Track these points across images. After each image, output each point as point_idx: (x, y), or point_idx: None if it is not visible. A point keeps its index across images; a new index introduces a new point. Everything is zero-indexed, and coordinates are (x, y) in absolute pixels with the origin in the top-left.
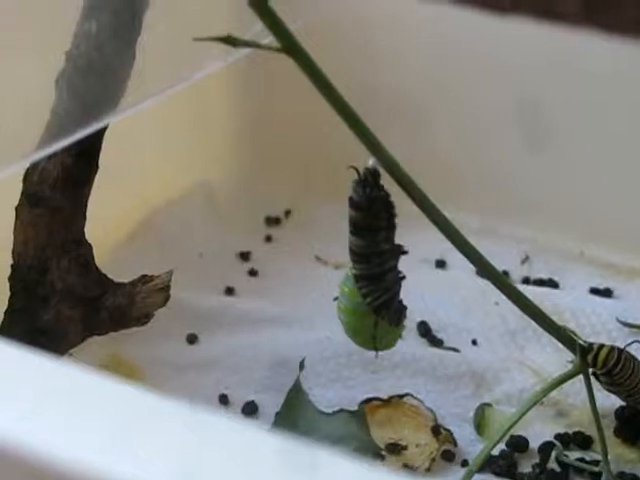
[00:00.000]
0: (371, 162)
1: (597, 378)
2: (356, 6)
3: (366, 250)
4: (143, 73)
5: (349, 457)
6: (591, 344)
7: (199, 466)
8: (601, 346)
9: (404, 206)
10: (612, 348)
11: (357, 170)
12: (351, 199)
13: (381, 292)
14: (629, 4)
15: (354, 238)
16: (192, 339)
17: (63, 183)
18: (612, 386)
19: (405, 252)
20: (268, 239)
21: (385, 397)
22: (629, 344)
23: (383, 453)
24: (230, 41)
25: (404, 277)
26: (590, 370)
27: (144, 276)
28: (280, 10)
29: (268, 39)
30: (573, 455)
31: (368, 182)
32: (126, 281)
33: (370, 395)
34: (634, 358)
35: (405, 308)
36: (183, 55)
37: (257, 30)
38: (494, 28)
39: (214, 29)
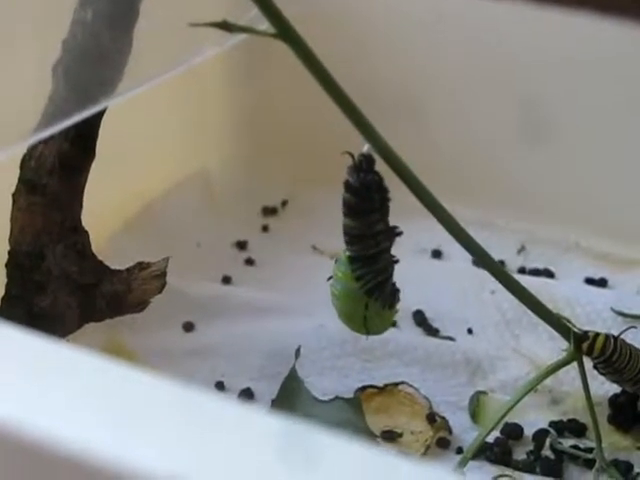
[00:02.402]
0: (366, 148)
1: (596, 368)
2: None
3: (359, 231)
4: (139, 59)
5: (346, 439)
6: (586, 332)
7: (198, 447)
8: (597, 334)
9: (400, 196)
10: (607, 336)
11: (352, 155)
12: (346, 182)
13: (375, 274)
14: None
15: (347, 219)
16: (189, 327)
17: (60, 170)
18: (612, 375)
19: (400, 233)
20: (265, 229)
21: (381, 385)
22: (624, 330)
23: (378, 440)
24: (226, 27)
25: (397, 261)
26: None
27: (140, 263)
28: None
29: (264, 25)
30: (567, 442)
31: (363, 168)
32: (123, 268)
33: (366, 383)
34: (629, 345)
35: (398, 291)
36: (179, 40)
37: (253, 16)
38: (493, 20)
39: (210, 14)
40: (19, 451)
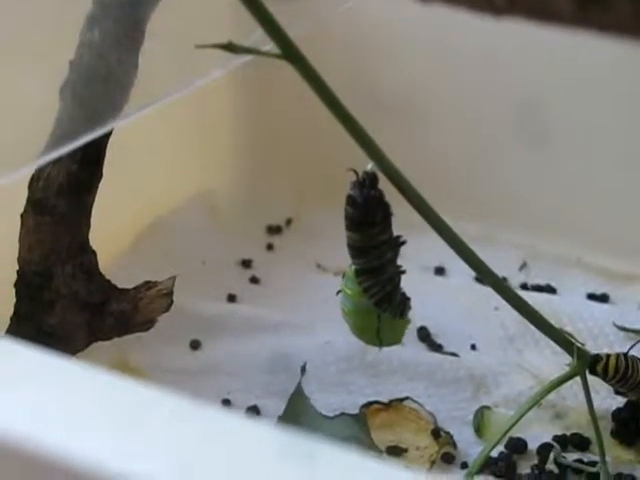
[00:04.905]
0: (370, 166)
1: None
2: (355, 12)
3: (363, 244)
4: (145, 80)
5: (347, 450)
6: (598, 354)
7: (202, 460)
8: (608, 355)
9: (403, 214)
10: (619, 354)
11: (355, 172)
12: (349, 196)
13: (382, 285)
14: (622, 1)
15: (351, 233)
16: (195, 345)
17: (68, 190)
18: (630, 391)
19: (403, 242)
20: (269, 247)
21: (386, 401)
22: (633, 346)
23: (384, 456)
24: (231, 48)
25: (404, 271)
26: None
27: (148, 282)
28: (281, 17)
29: (269, 46)
30: (571, 456)
31: (366, 184)
32: (130, 287)
33: (371, 399)
34: (637, 359)
35: (408, 299)
36: (185, 62)
37: (258, 37)
38: (493, 33)
39: (215, 36)
40: (28, 466)
